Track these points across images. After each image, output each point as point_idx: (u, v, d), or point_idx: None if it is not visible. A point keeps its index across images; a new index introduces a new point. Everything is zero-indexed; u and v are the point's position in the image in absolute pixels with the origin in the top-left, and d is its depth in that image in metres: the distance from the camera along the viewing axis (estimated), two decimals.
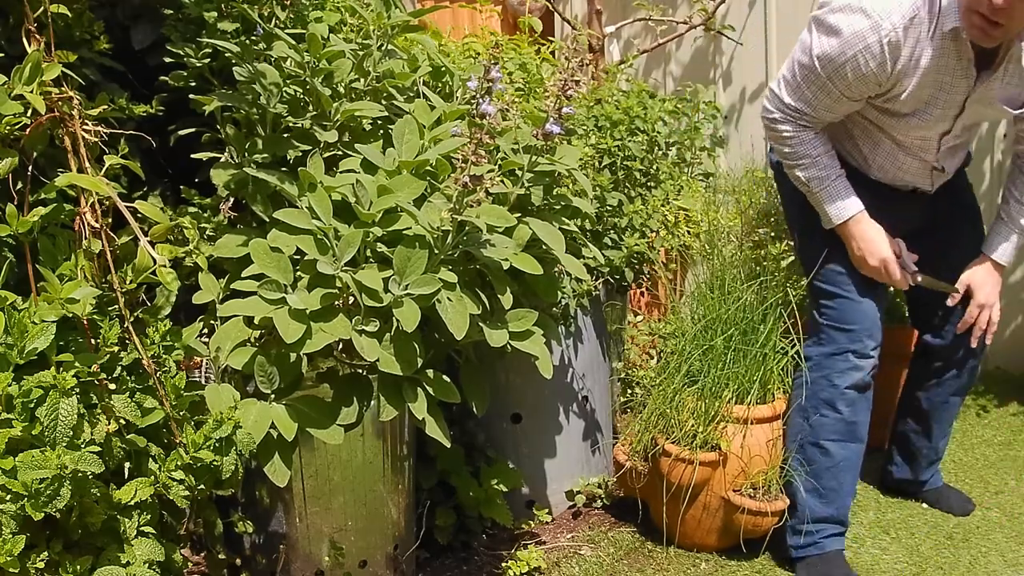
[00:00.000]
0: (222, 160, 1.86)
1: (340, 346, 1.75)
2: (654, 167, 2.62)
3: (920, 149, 2.16)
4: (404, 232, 1.71)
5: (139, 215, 1.51)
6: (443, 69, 2.16)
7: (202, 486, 1.55)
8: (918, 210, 2.28)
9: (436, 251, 1.70)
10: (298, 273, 1.68)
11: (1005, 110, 2.09)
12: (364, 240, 1.68)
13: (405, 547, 2.04)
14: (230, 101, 1.84)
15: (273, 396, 1.67)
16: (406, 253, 1.64)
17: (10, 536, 1.31)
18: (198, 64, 1.94)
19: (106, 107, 1.65)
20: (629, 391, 2.64)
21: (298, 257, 1.70)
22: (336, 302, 1.67)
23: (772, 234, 2.75)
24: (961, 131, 2.15)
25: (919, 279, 2.18)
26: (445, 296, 1.66)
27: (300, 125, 1.87)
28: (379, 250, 1.72)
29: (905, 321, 2.68)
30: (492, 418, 2.35)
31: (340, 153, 1.90)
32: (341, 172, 1.81)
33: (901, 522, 2.43)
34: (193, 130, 1.93)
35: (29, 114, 1.46)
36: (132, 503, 1.46)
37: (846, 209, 2.12)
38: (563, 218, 1.95)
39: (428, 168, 1.83)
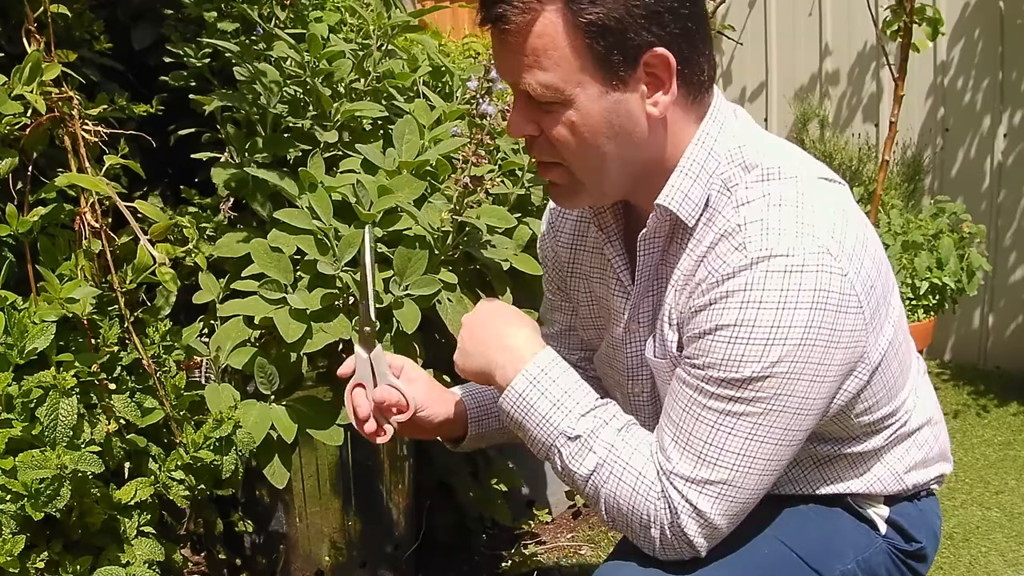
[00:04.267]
0: (222, 160, 1.86)
1: (341, 346, 1.75)
2: None
3: None
4: (404, 232, 1.71)
5: (139, 215, 1.51)
6: (443, 69, 2.16)
7: (202, 486, 1.55)
8: None
9: (436, 252, 1.70)
10: (298, 273, 1.68)
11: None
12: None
13: (405, 547, 2.04)
14: (230, 101, 1.84)
15: (273, 397, 1.67)
16: (406, 254, 1.64)
17: (10, 536, 1.31)
18: (198, 64, 1.94)
19: (106, 107, 1.65)
20: None
21: (298, 257, 1.70)
22: (336, 302, 1.67)
23: None
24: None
25: None
26: (445, 297, 1.66)
27: (300, 125, 1.87)
28: (379, 250, 1.72)
29: (910, 319, 2.67)
30: None
31: (340, 153, 1.90)
32: (341, 172, 1.81)
33: None
34: (193, 130, 1.93)
35: (29, 114, 1.46)
36: (132, 503, 1.46)
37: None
38: None
39: (428, 168, 1.83)
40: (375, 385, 1.28)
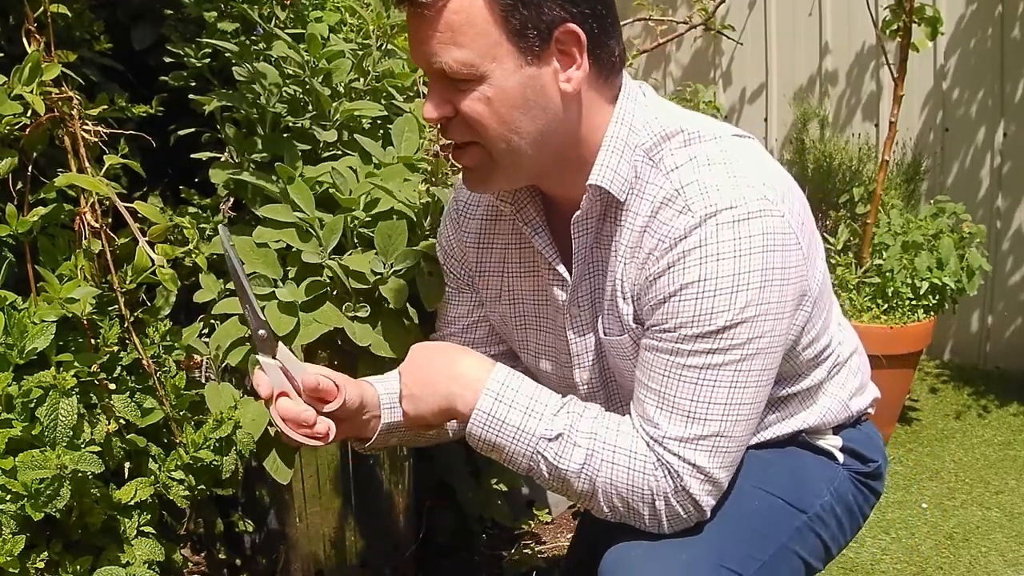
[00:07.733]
0: (222, 160, 1.86)
1: (340, 340, 1.75)
2: None
3: None
4: (386, 213, 1.70)
5: (138, 215, 1.51)
6: None
7: (202, 486, 1.55)
8: None
9: (420, 228, 1.68)
10: (287, 267, 1.68)
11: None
12: (348, 225, 1.67)
13: (405, 547, 2.04)
14: (230, 101, 1.84)
15: None
16: (387, 230, 1.62)
17: (10, 536, 1.31)
18: (198, 64, 1.94)
19: (106, 107, 1.65)
20: None
21: (288, 251, 1.70)
22: (326, 290, 1.66)
23: None
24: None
25: None
26: (424, 269, 1.63)
27: (300, 125, 1.87)
28: (361, 231, 1.71)
29: (909, 319, 2.67)
30: None
31: (340, 152, 1.90)
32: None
33: (901, 522, 2.43)
34: (193, 130, 1.93)
35: (29, 114, 1.46)
36: (132, 503, 1.46)
37: None
38: None
39: (427, 164, 1.83)
40: (295, 387, 1.16)
